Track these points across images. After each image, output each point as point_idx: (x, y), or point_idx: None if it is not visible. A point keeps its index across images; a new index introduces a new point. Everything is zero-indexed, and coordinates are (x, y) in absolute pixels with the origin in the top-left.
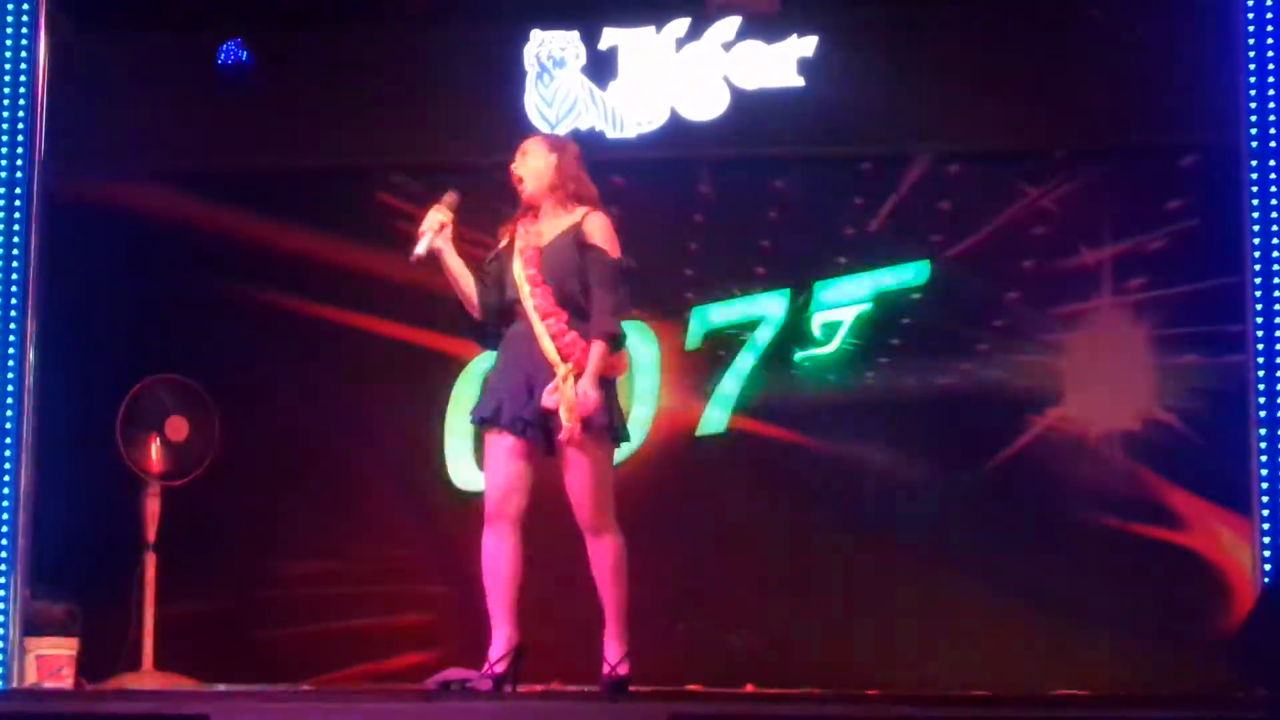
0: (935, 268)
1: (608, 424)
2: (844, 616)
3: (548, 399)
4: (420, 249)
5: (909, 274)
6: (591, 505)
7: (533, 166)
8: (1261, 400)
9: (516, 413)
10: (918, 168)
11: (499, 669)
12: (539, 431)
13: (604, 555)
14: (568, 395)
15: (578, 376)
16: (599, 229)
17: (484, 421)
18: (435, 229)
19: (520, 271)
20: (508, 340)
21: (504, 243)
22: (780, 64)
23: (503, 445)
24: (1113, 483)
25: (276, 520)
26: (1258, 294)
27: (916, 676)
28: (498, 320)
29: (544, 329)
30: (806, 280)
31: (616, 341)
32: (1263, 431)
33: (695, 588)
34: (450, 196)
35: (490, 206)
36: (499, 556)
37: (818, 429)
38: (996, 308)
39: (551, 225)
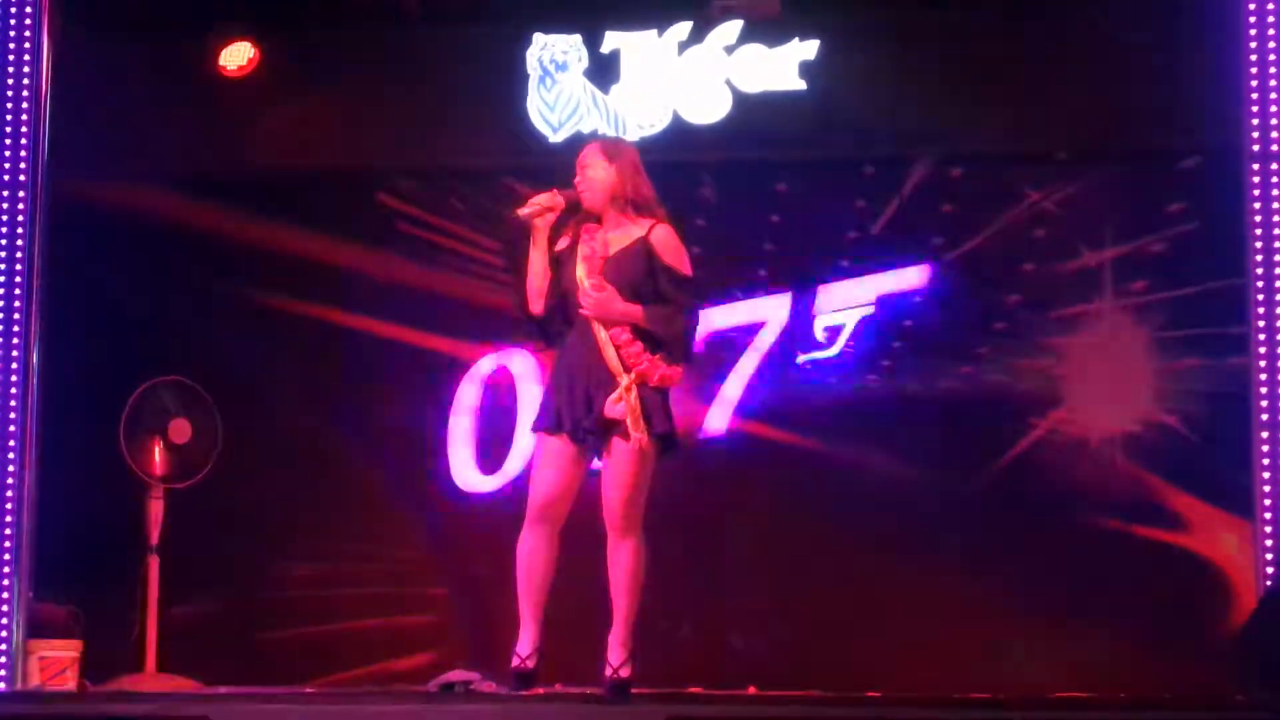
0: (937, 270)
1: (665, 432)
2: (844, 618)
3: (612, 409)
4: (524, 211)
5: (911, 277)
6: (625, 508)
7: (592, 178)
8: (1264, 403)
9: (577, 420)
10: (919, 171)
11: (530, 664)
12: (599, 439)
13: (625, 559)
14: (633, 405)
15: (639, 386)
16: (669, 244)
17: (545, 429)
18: (546, 204)
19: (584, 280)
20: (566, 346)
21: (564, 244)
22: (782, 67)
23: (559, 451)
24: (1114, 485)
25: (279, 522)
26: (1259, 296)
27: (916, 677)
28: (554, 320)
29: (608, 339)
30: (809, 283)
31: (680, 352)
32: (1265, 434)
33: (696, 589)
34: (572, 192)
35: (491, 211)
36: (538, 559)
37: (819, 431)
38: (998, 310)
39: (617, 235)
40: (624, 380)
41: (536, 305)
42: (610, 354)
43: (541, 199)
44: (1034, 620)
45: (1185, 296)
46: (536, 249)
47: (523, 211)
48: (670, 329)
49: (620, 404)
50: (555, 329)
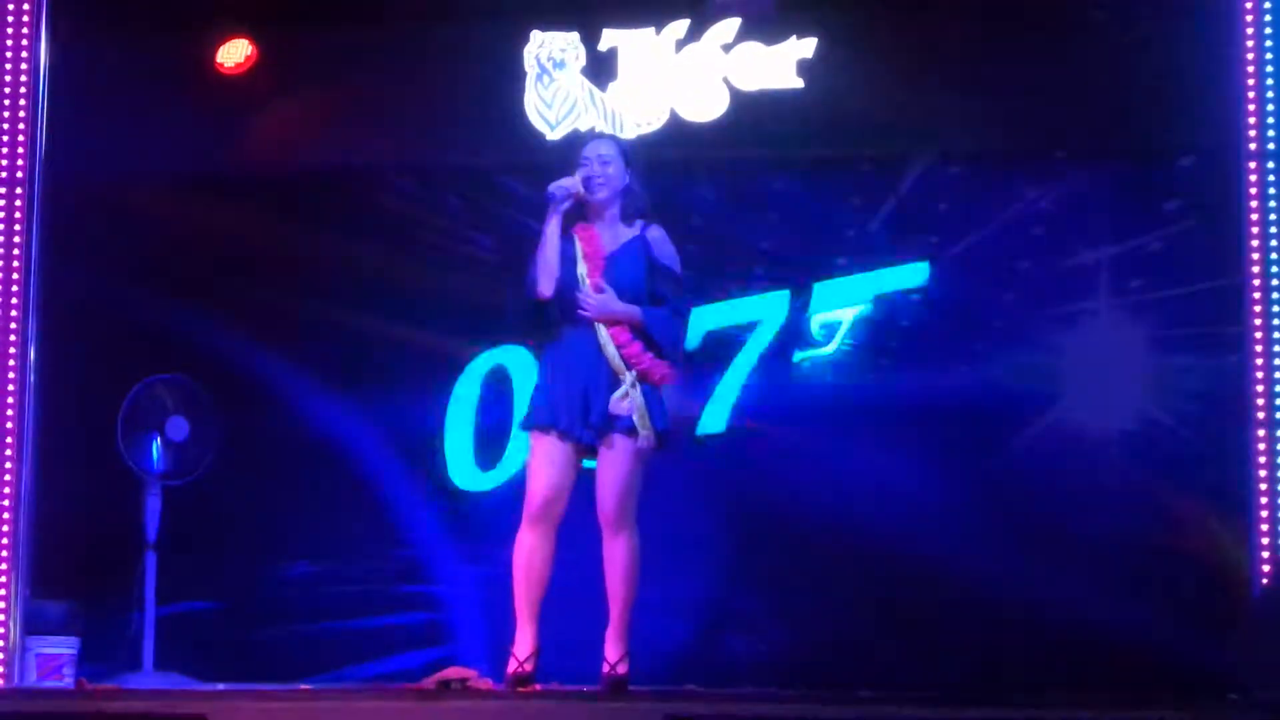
0: (934, 269)
1: (664, 429)
2: (841, 616)
3: (617, 405)
4: (556, 186)
5: (908, 275)
6: (620, 503)
7: (613, 174)
8: (1260, 401)
9: (574, 419)
10: (916, 169)
11: (529, 667)
12: (599, 437)
13: (620, 554)
14: (639, 401)
15: (641, 383)
16: (665, 244)
17: (541, 427)
18: (573, 189)
19: (585, 278)
20: (560, 344)
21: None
22: (780, 65)
23: (557, 450)
24: (1110, 484)
25: (277, 520)
26: (1256, 295)
27: (914, 675)
28: (551, 308)
29: (609, 337)
30: (805, 281)
31: (674, 354)
32: (1261, 433)
33: (692, 587)
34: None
35: (489, 208)
36: (536, 558)
37: (815, 429)
38: (995, 309)
39: (612, 233)
40: (628, 377)
41: (547, 287)
42: (612, 352)
43: (566, 182)
44: (1031, 619)
45: (1182, 295)
46: (556, 229)
47: (555, 187)
48: (667, 332)
49: (626, 401)
50: (549, 318)
